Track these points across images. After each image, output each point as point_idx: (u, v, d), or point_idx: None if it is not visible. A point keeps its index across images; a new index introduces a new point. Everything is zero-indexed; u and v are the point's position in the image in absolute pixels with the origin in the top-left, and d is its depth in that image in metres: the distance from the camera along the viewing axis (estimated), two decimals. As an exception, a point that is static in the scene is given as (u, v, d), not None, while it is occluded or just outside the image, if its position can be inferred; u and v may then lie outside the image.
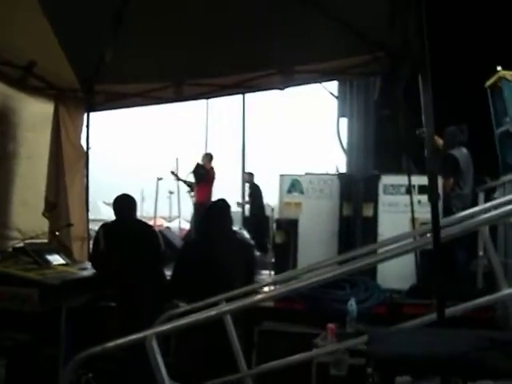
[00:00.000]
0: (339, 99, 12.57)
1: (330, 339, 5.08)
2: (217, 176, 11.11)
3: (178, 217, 20.51)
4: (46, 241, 6.46)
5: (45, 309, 4.94)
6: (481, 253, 6.26)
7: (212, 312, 3.35)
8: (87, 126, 7.17)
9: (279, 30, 5.78)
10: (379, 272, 6.17)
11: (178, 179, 11.94)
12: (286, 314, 5.82)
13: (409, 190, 6.47)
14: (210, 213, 5.01)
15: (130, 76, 6.68)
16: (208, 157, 11.06)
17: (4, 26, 5.38)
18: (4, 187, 6.39)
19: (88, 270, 5.87)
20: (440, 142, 7.43)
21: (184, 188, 12.22)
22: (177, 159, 12.65)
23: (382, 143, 8.75)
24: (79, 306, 5.44)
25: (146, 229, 5.76)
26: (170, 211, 24.59)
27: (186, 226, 15.24)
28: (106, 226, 5.73)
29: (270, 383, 3.70)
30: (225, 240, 4.74)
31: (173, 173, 11.92)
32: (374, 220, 6.64)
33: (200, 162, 10.87)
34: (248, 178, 13.63)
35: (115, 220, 5.72)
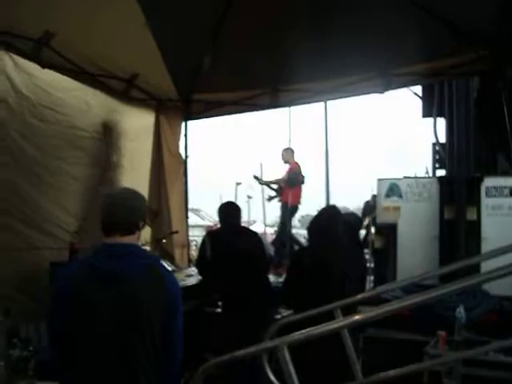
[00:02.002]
0: (424, 99, 12.29)
1: (441, 347, 4.95)
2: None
3: (255, 221, 20.51)
4: (149, 248, 6.61)
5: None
6: None
7: (333, 325, 3.28)
8: (185, 135, 7.33)
9: (378, 31, 5.67)
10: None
11: (262, 183, 10.67)
12: (391, 320, 5.69)
13: (515, 192, 6.24)
14: (321, 220, 4.92)
15: (226, 84, 6.76)
16: (289, 151, 9.80)
17: (110, 41, 5.55)
18: (109, 197, 6.57)
19: (194, 276, 5.96)
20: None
21: (267, 192, 11.24)
22: (261, 164, 12.30)
23: (478, 144, 8.49)
24: (187, 311, 5.53)
25: (251, 236, 5.73)
26: (249, 216, 24.69)
27: (269, 230, 15.08)
28: (212, 234, 5.81)
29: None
30: (338, 248, 4.66)
31: (256, 177, 10.65)
32: (477, 224, 6.42)
33: (283, 158, 9.64)
34: None
35: (221, 227, 5.77)
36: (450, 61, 6.02)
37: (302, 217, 31.47)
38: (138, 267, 2.71)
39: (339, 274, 4.50)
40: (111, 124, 6.49)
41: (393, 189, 6.85)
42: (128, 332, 2.65)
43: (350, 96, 7.01)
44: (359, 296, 4.16)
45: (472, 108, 7.15)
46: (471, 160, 6.96)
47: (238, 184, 18.90)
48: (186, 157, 7.36)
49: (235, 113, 7.53)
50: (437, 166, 11.70)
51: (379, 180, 6.94)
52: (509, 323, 5.48)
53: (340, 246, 4.67)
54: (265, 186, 10.57)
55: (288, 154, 9.63)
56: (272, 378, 3.30)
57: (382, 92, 6.40)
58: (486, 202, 6.48)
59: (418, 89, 12.02)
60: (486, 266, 5.62)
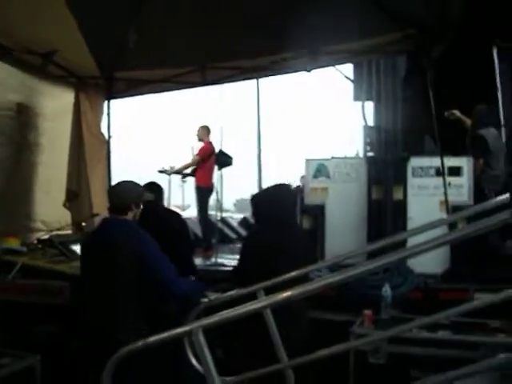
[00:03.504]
0: (355, 82, 12.38)
1: (367, 326, 4.94)
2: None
3: (189, 206, 20.28)
4: (70, 232, 6.33)
5: (76, 302, 4.82)
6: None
7: (252, 306, 3.16)
8: (108, 115, 7.04)
9: (305, 9, 5.58)
10: (410, 260, 5.98)
11: (170, 173, 10.12)
12: (316, 301, 5.65)
13: (440, 172, 6.31)
14: (269, 199, 4.64)
15: (152, 61, 6.49)
16: (205, 130, 9.47)
17: (25, 15, 5.24)
18: (26, 178, 6.28)
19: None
20: (468, 122, 7.26)
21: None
22: (192, 147, 12.01)
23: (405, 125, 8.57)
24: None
25: (174, 218, 5.56)
26: (183, 200, 24.41)
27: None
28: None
29: (307, 370, 3.54)
30: (287, 228, 4.47)
31: (162, 171, 9.98)
32: (403, 203, 6.47)
33: (198, 135, 9.40)
34: None
35: (142, 209, 5.57)
36: (378, 40, 5.99)
37: (237, 201, 31.48)
38: (118, 231, 4.03)
39: (290, 254, 4.33)
40: (28, 103, 6.17)
41: (320, 169, 6.80)
42: (112, 272, 3.90)
43: (278, 74, 6.88)
44: (286, 276, 4.02)
45: (399, 89, 7.18)
46: (398, 141, 7.01)
47: (171, 168, 18.52)
48: (109, 137, 7.08)
49: (162, 91, 7.26)
50: (368, 149, 11.82)
51: (307, 160, 6.87)
52: (433, 300, 5.57)
53: (289, 227, 4.54)
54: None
55: (203, 132, 9.40)
56: (194, 362, 3.17)
57: (309, 70, 6.33)
58: (411, 182, 6.53)
59: (350, 73, 12.14)
60: (412, 243, 5.69)
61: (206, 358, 2.86)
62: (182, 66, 6.85)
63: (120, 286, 3.96)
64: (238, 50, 6.26)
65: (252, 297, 3.70)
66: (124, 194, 4.18)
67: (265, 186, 14.38)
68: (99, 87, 6.90)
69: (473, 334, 4.69)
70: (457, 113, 7.31)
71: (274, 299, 3.11)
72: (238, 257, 4.75)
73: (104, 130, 7.07)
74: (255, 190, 14.48)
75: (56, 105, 6.60)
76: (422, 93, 7.35)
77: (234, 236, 12.30)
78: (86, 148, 6.63)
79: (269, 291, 3.62)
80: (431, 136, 8.56)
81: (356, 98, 13.30)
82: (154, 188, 5.61)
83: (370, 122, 10.50)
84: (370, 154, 11.29)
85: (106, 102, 7.14)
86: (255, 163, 15.42)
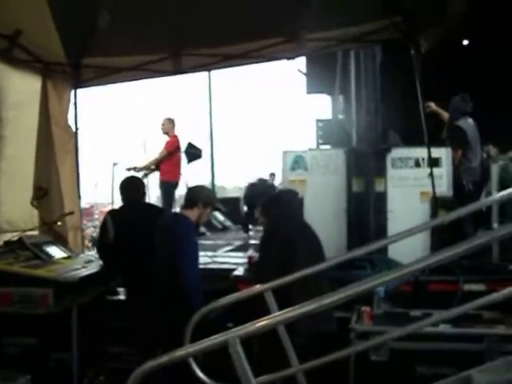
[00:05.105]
0: (308, 76, 12.32)
1: (366, 322, 4.80)
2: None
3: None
4: (36, 232, 5.83)
5: (59, 310, 4.40)
6: (495, 225, 6.13)
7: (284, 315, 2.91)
8: (75, 105, 6.55)
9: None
10: (391, 249, 5.90)
11: (139, 170, 9.30)
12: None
13: (419, 163, 6.36)
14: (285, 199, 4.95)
15: (122, 48, 6.06)
16: (170, 122, 9.15)
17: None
18: (-12, 175, 5.73)
19: (94, 262, 5.34)
20: (445, 114, 7.25)
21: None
22: (144, 142, 11.56)
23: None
24: (87, 302, 4.93)
25: (155, 212, 5.30)
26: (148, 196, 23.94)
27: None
28: (114, 212, 5.34)
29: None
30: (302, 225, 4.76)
31: (130, 169, 9.30)
32: (384, 195, 6.38)
33: (162, 128, 9.11)
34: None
35: (123, 205, 5.29)
36: (363, 27, 5.82)
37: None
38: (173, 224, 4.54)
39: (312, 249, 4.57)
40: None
41: (298, 161, 6.63)
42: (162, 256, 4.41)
43: (259, 62, 6.56)
44: (287, 278, 3.75)
45: (378, 80, 7.03)
46: (378, 132, 6.88)
47: (114, 165, 17.86)
48: (77, 129, 6.59)
49: (132, 80, 6.80)
50: (320, 141, 11.77)
51: (284, 152, 6.68)
52: (422, 293, 5.51)
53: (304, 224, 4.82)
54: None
55: (169, 126, 9.15)
56: (203, 378, 2.86)
57: (292, 58, 6.11)
58: (391, 173, 6.44)
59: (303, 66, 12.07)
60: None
61: (247, 372, 2.63)
62: (153, 54, 6.43)
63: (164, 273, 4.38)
64: (215, 36, 5.94)
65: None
66: (195, 191, 4.66)
67: (218, 182, 14.22)
68: (66, 75, 6.39)
69: (472, 326, 4.65)
70: (432, 105, 7.28)
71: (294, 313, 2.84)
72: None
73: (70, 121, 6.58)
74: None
75: (21, 93, 6.02)
76: (394, 86, 7.29)
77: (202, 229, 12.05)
78: (55, 140, 6.11)
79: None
80: (394, 130, 8.55)
81: (309, 91, 13.25)
82: (135, 183, 5.48)
83: (324, 116, 10.48)
84: (325, 146, 11.29)
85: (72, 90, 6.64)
86: (208, 158, 15.10)
